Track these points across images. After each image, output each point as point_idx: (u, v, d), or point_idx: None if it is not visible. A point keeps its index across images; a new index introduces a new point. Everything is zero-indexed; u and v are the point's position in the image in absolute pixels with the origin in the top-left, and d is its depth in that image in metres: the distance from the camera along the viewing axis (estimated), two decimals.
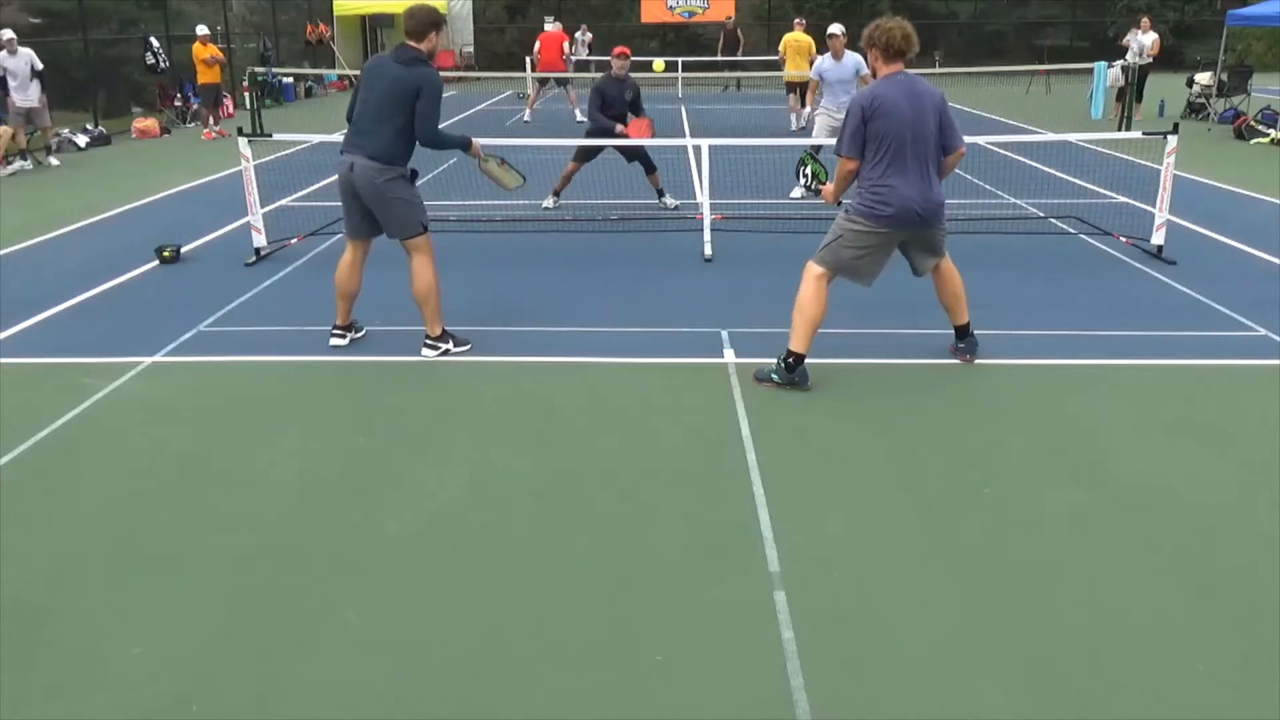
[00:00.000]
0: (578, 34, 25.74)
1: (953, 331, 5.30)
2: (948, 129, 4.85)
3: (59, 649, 2.94)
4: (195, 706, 2.69)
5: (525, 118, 18.18)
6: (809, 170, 5.62)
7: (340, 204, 5.41)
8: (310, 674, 2.82)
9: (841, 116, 9.32)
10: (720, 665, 2.84)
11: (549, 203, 9.50)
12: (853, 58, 9.34)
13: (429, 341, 5.41)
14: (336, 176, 5.31)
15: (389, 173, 5.16)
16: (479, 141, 5.63)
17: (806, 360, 4.90)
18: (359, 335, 5.67)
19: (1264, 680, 2.75)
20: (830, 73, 9.64)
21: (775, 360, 4.95)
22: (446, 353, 5.41)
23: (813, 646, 2.90)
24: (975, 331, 5.28)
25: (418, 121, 5.14)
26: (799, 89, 16.42)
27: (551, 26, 19.10)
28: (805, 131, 15.71)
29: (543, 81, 18.87)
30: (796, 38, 16.64)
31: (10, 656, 2.89)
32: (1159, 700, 2.69)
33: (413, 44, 5.19)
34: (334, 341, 5.54)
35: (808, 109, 10.03)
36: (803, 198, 5.53)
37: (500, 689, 2.76)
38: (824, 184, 5.50)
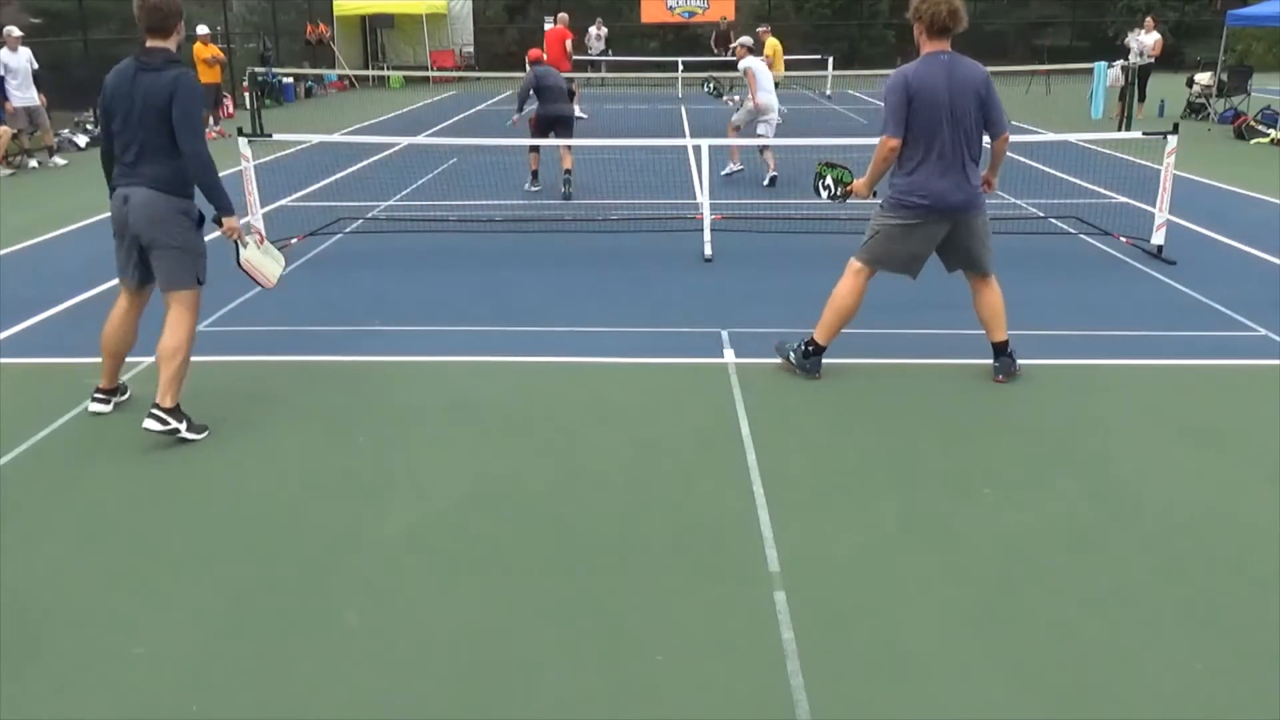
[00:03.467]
0: (592, 29, 25.60)
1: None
2: (992, 111, 4.61)
3: (59, 649, 2.94)
4: (195, 706, 2.69)
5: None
6: (829, 179, 5.19)
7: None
8: (310, 674, 2.82)
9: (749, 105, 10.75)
10: (720, 665, 2.84)
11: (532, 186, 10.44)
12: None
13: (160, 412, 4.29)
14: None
15: (176, 203, 4.31)
16: None
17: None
18: (124, 398, 4.80)
19: (1264, 680, 2.75)
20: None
21: (798, 341, 5.01)
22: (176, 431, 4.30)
23: (813, 646, 2.90)
24: (973, 331, 5.27)
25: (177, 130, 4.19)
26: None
27: (551, 23, 19.03)
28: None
29: None
30: (775, 43, 17.12)
31: (10, 656, 2.89)
32: (1159, 700, 2.69)
33: (158, 43, 4.27)
34: (96, 408, 4.64)
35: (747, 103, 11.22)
36: (832, 199, 5.20)
37: (500, 689, 2.76)
38: (849, 184, 5.06)
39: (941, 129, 4.56)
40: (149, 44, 4.28)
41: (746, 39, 11.28)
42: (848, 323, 4.98)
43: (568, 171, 10.06)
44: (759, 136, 10.50)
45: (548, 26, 19.18)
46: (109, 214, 4.46)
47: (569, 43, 19.07)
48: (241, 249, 4.69)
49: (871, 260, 4.88)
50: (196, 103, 4.28)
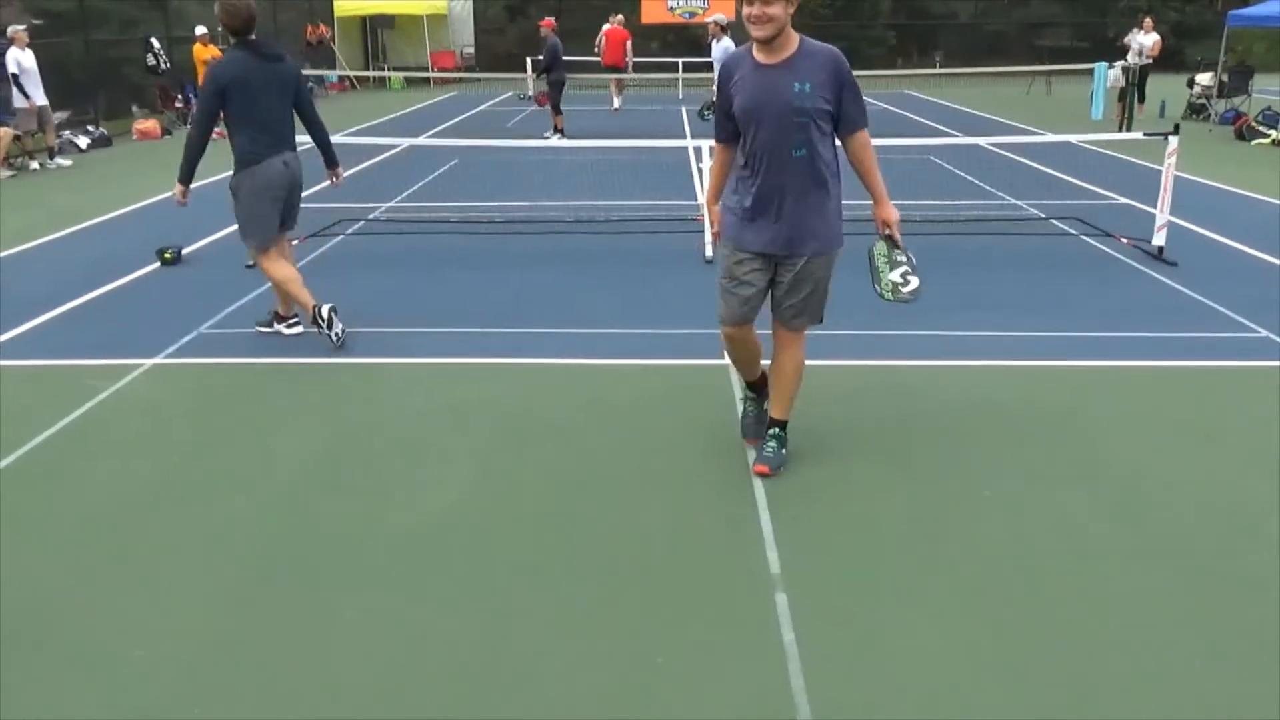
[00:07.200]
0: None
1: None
2: None
3: (59, 649, 2.94)
4: (196, 709, 2.68)
5: (616, 105, 20.23)
6: (894, 276, 4.27)
7: (278, 205, 5.57)
8: (310, 674, 2.82)
9: None
10: (721, 667, 2.84)
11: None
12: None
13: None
14: (267, 178, 5.51)
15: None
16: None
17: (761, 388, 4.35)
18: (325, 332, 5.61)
19: (1263, 680, 2.75)
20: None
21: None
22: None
23: (813, 648, 2.91)
24: (974, 332, 5.26)
25: (309, 108, 5.71)
26: None
27: (615, 21, 20.42)
28: None
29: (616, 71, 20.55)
30: None
31: (10, 656, 2.89)
32: (1159, 699, 2.69)
33: (255, 38, 5.53)
34: (293, 330, 5.74)
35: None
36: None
37: (500, 690, 2.76)
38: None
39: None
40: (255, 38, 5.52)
41: (719, 16, 11.69)
42: None
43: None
44: None
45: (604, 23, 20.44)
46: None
47: (628, 43, 20.54)
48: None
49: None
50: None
